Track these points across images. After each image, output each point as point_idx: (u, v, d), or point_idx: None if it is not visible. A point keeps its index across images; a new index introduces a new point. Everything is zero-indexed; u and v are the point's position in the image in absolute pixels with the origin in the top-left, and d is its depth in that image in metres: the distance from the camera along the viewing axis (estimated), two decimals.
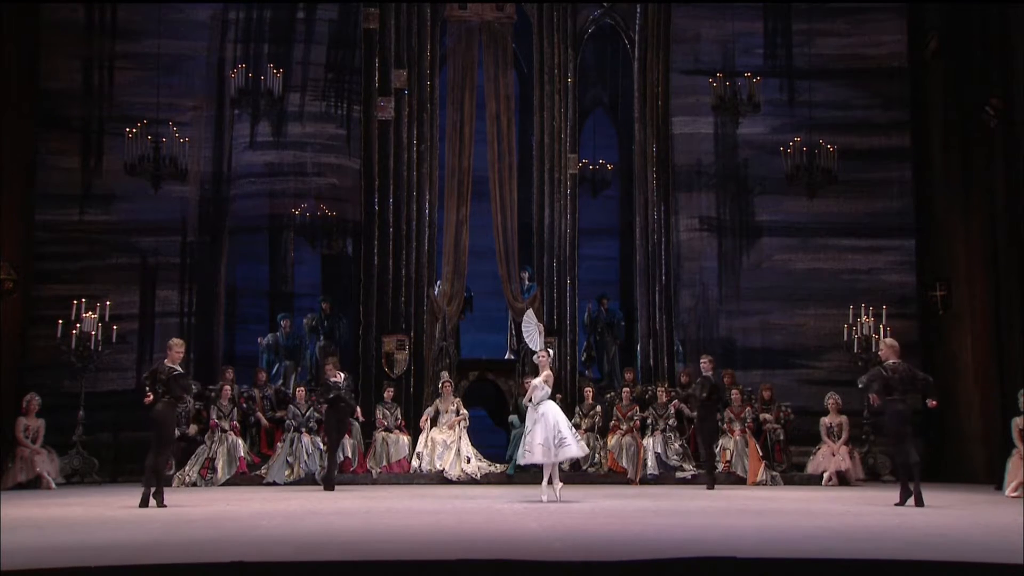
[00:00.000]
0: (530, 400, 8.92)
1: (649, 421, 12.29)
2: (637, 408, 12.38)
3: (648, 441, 12.03)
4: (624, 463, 11.95)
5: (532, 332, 9.36)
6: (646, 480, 11.74)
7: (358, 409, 10.87)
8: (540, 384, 8.81)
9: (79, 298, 11.94)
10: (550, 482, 8.77)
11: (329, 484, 10.21)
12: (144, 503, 8.33)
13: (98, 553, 5.68)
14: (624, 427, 12.12)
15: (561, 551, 5.68)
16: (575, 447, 8.76)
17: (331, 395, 10.23)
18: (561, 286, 13.63)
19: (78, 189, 13.09)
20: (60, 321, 11.75)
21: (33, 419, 11.23)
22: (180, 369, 8.56)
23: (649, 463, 11.93)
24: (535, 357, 9.28)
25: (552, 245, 13.61)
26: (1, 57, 12.01)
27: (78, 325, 11.81)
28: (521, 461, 9.19)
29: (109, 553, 5.65)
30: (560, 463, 9.03)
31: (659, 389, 12.63)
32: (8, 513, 7.94)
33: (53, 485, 10.97)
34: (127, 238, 13.16)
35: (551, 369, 9.06)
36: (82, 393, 12.01)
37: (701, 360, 11.23)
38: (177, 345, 8.56)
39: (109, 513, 8.01)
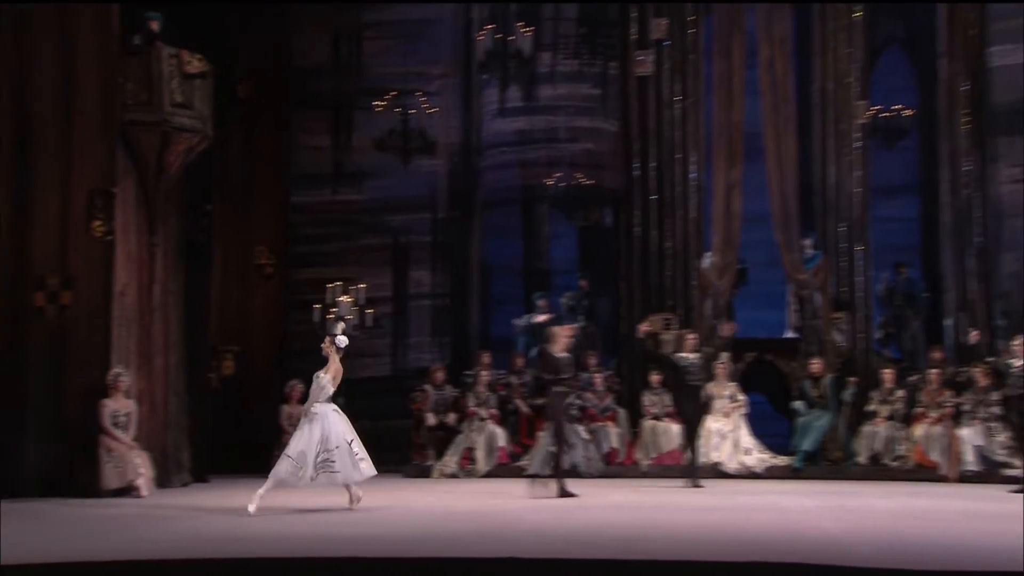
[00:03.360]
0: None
1: (966, 408, 11.34)
2: (949, 393, 11.49)
3: (965, 432, 11.21)
4: (935, 457, 11.25)
5: None
6: (964, 477, 10.95)
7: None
8: None
9: (333, 281, 12.52)
10: None
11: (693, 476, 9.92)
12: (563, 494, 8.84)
13: (364, 543, 5.97)
14: (933, 415, 11.33)
15: (866, 557, 5.41)
16: None
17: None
18: (850, 253, 12.96)
19: (329, 168, 13.76)
20: (317, 306, 12.38)
21: (296, 407, 11.74)
22: (565, 356, 9.13)
23: (967, 457, 11.15)
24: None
25: (838, 207, 12.95)
26: (257, 42, 12.89)
27: (333, 310, 12.39)
28: None
29: (369, 545, 5.93)
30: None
31: (976, 370, 11.55)
32: (278, 501, 8.46)
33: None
34: (378, 217, 13.70)
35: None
36: (342, 380, 12.60)
37: (1012, 342, 9.99)
38: (563, 333, 9.24)
39: (375, 503, 8.39)
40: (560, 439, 9.38)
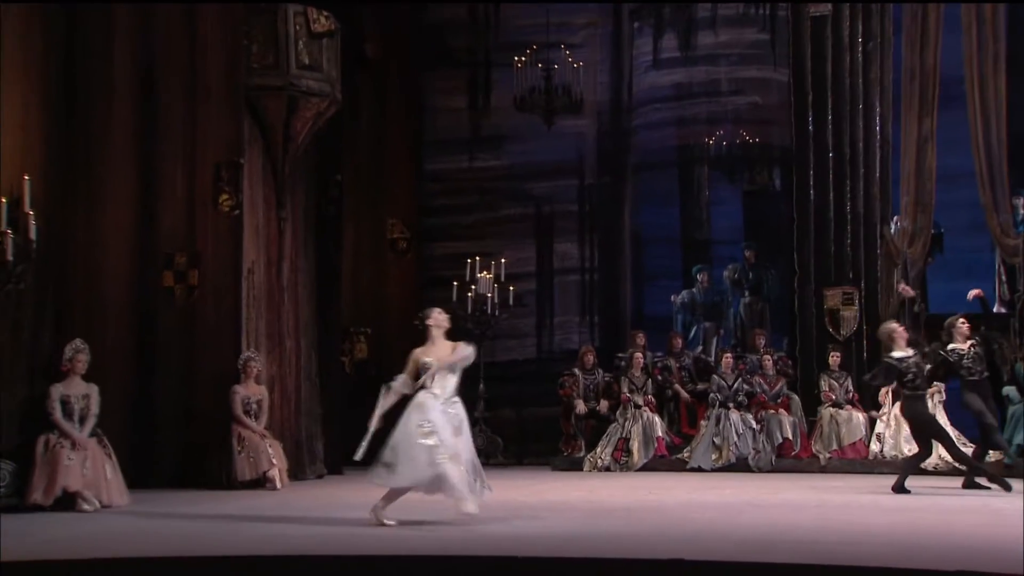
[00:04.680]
0: None
1: None
2: None
3: None
4: None
5: None
6: None
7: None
8: None
9: (473, 256, 12.65)
10: None
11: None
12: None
13: (511, 543, 6.00)
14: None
15: None
16: None
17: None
18: None
19: (466, 132, 13.93)
20: (455, 283, 12.50)
21: None
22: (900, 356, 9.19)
23: None
24: None
25: None
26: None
27: (473, 287, 12.52)
28: None
29: (523, 544, 5.96)
30: None
31: None
32: (423, 497, 8.60)
33: None
34: (520, 184, 13.79)
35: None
36: (481, 364, 12.73)
37: None
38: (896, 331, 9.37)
39: (523, 499, 8.47)
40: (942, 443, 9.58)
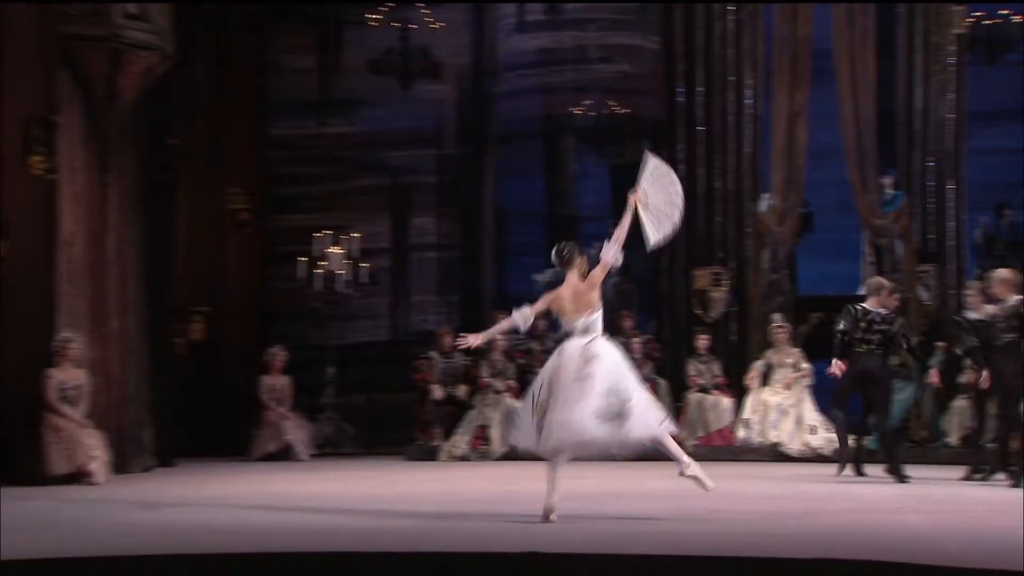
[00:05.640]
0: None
1: None
2: None
3: None
4: None
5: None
6: None
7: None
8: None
9: (322, 229, 12.46)
10: None
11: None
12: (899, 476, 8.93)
13: (359, 537, 5.98)
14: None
15: (957, 555, 5.33)
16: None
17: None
18: (940, 193, 12.81)
19: (315, 95, 13.66)
20: (302, 258, 12.33)
21: (279, 377, 11.91)
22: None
23: None
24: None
25: (926, 137, 12.78)
26: None
27: (322, 263, 12.37)
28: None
29: (372, 538, 5.94)
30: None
31: None
32: (262, 488, 8.60)
33: (304, 456, 11.64)
34: (374, 153, 13.62)
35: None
36: (329, 346, 12.60)
37: None
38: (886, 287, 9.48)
39: (372, 491, 8.50)
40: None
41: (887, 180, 12.75)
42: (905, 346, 10.09)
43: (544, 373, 6.59)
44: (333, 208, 13.31)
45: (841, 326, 9.46)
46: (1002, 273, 9.08)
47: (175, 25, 10.24)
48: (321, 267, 12.38)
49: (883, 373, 9.50)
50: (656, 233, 6.73)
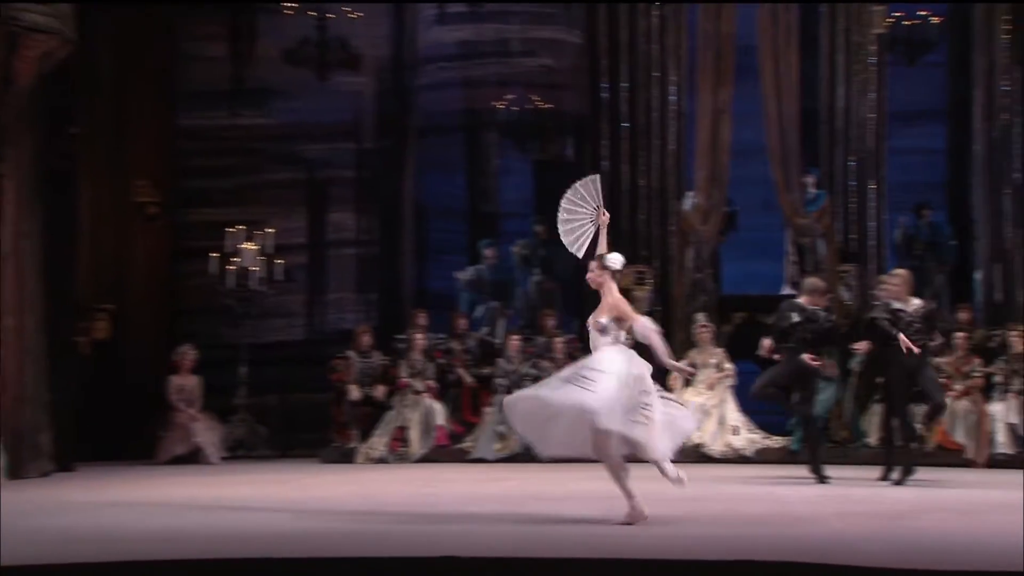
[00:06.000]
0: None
1: (998, 379, 11.47)
2: (979, 361, 11.54)
3: (997, 408, 11.28)
4: (960, 437, 11.32)
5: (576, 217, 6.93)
6: (995, 462, 11.01)
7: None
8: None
9: (235, 224, 12.32)
10: None
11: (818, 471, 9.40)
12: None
13: (272, 543, 5.91)
14: (959, 387, 11.39)
15: (876, 556, 5.38)
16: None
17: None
18: (861, 193, 13.02)
19: (227, 85, 13.48)
20: (213, 254, 12.17)
21: (188, 377, 11.75)
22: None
23: (998, 438, 11.20)
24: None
25: (848, 137, 12.99)
26: None
27: (235, 259, 12.23)
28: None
29: (286, 544, 5.87)
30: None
31: (1012, 334, 11.68)
32: (170, 493, 8.45)
33: (215, 459, 11.50)
34: (289, 146, 13.50)
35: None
36: (242, 345, 12.47)
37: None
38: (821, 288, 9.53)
39: (284, 495, 8.37)
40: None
41: (810, 179, 12.90)
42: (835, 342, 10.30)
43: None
44: (246, 202, 13.18)
45: (795, 319, 9.52)
46: (903, 274, 9.36)
47: (77, 8, 9.99)
48: (234, 263, 12.24)
49: (813, 370, 9.62)
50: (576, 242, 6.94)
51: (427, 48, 13.95)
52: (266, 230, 12.42)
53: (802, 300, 9.60)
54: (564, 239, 6.94)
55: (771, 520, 6.85)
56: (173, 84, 13.26)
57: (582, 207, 6.93)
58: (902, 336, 8.94)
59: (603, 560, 5.27)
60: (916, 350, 8.92)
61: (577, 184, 6.97)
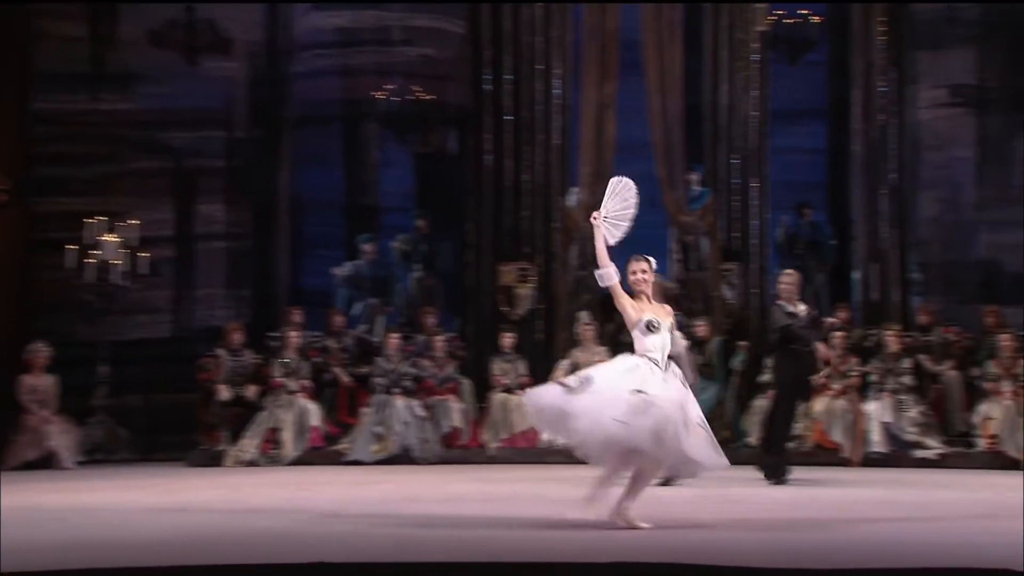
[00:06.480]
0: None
1: (873, 379, 11.79)
2: (855, 360, 11.85)
3: (872, 407, 11.59)
4: (837, 436, 11.59)
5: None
6: (869, 460, 11.34)
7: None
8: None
9: (94, 215, 12.10)
10: None
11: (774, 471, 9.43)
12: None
13: (133, 551, 5.78)
14: (836, 386, 11.66)
15: (753, 556, 5.48)
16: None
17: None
18: (744, 191, 13.25)
19: (87, 67, 13.17)
20: (71, 246, 11.93)
21: (41, 377, 11.46)
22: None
23: (873, 437, 11.52)
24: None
25: (731, 134, 13.23)
26: None
27: (95, 252, 12.01)
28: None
29: (146, 552, 5.75)
30: None
31: (887, 334, 12.02)
32: (12, 501, 8.02)
33: (70, 464, 11.20)
34: (155, 133, 13.26)
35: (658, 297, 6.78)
36: (102, 343, 12.23)
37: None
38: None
39: (147, 500, 8.21)
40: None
41: (693, 176, 13.11)
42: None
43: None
44: (108, 192, 12.92)
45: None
46: (796, 275, 9.55)
47: None
48: (93, 256, 12.00)
49: None
50: (615, 233, 6.76)
51: (303, 34, 13.79)
52: (129, 221, 12.20)
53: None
54: (615, 233, 6.77)
55: (648, 520, 6.87)
56: (28, 65, 12.87)
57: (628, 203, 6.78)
58: (822, 346, 9.32)
59: (478, 564, 5.24)
60: (832, 358, 9.21)
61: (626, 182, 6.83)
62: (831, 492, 8.79)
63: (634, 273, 6.62)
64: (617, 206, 6.76)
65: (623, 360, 6.37)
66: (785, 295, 9.46)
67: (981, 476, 10.32)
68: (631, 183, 6.84)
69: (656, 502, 7.93)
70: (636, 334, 6.34)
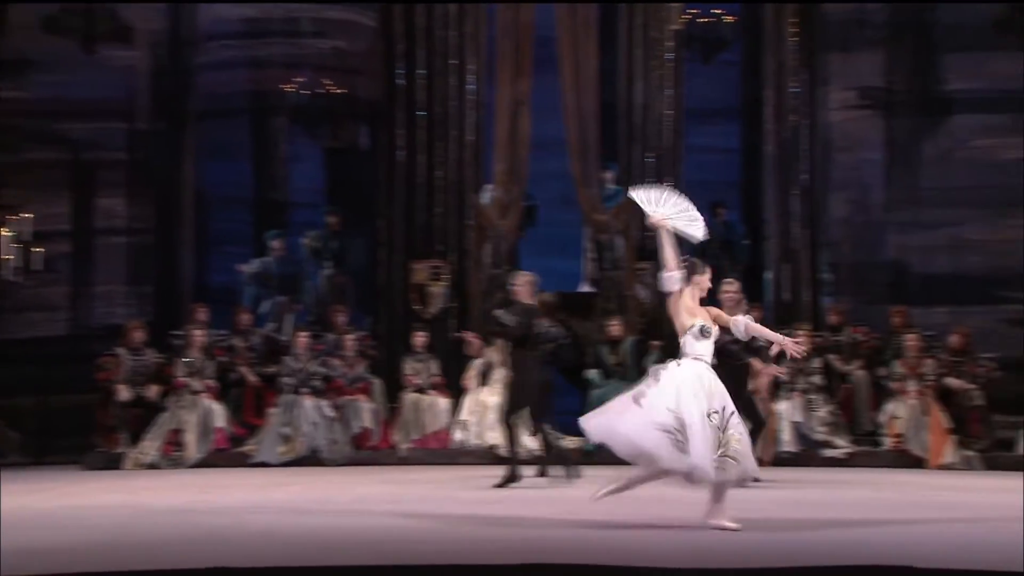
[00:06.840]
0: None
1: (783, 379, 11.90)
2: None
3: (782, 407, 11.82)
4: None
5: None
6: (779, 460, 11.51)
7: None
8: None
9: None
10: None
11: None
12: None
13: (32, 558, 5.64)
14: (749, 386, 11.72)
15: (668, 556, 5.58)
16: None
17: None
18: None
19: None
20: None
21: None
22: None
23: (783, 436, 11.75)
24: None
25: (646, 133, 13.29)
26: None
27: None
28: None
29: (46, 558, 5.65)
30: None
31: (799, 334, 12.17)
32: None
33: None
34: (51, 124, 13.01)
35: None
36: None
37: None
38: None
39: (41, 506, 8.05)
40: None
41: (608, 175, 13.19)
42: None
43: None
44: (1, 184, 12.62)
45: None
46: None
47: None
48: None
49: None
50: (696, 229, 6.81)
51: (208, 24, 13.65)
52: (22, 215, 11.93)
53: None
54: (697, 227, 6.83)
55: (558, 521, 6.96)
56: None
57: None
58: (771, 366, 9.62)
59: (384, 567, 5.24)
60: (782, 374, 9.38)
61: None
62: (745, 493, 8.89)
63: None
64: (674, 206, 6.80)
65: (690, 367, 6.58)
66: (728, 304, 9.43)
67: (887, 474, 10.56)
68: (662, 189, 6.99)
69: (568, 502, 7.98)
70: (688, 338, 6.60)
